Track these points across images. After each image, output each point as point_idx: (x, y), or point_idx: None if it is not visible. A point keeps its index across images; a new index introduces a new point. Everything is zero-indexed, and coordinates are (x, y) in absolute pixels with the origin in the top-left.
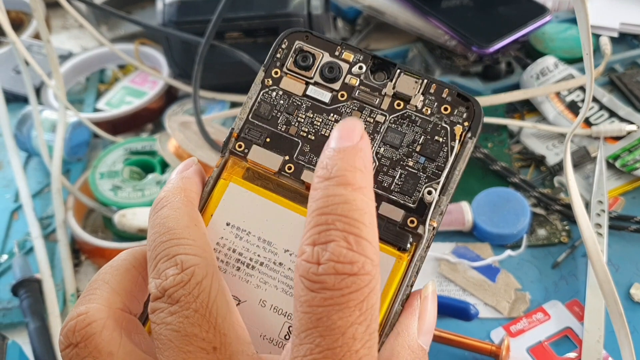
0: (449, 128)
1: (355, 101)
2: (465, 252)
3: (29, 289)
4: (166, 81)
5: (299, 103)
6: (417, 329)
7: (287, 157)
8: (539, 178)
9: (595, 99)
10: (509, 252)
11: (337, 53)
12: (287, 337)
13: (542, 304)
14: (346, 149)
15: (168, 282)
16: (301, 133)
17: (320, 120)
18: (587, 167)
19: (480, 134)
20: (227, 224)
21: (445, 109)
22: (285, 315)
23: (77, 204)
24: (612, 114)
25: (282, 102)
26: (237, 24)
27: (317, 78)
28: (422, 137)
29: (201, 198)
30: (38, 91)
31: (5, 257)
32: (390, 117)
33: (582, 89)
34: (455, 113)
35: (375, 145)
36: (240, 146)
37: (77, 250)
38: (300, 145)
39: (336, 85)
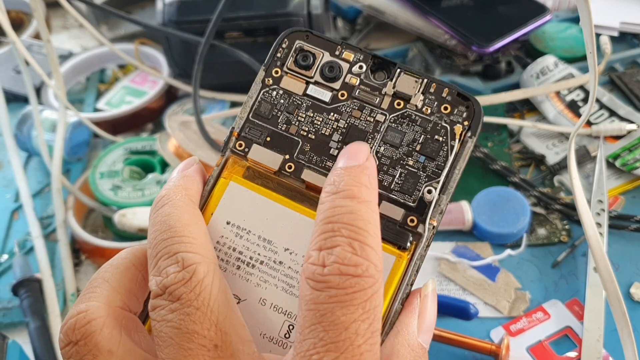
0: (449, 127)
1: (355, 100)
2: (465, 252)
3: (29, 288)
4: (166, 81)
5: (299, 102)
6: (417, 328)
7: (287, 156)
8: (539, 177)
9: (595, 99)
10: (508, 251)
11: (337, 52)
12: (287, 335)
13: (542, 303)
14: (353, 167)
15: (169, 279)
16: (301, 132)
17: (321, 119)
18: (587, 167)
19: (480, 133)
20: (228, 223)
21: (445, 108)
22: (285, 314)
23: (77, 204)
24: (612, 113)
25: (282, 101)
26: (237, 24)
27: (318, 77)
28: (422, 136)
29: (202, 197)
30: (38, 91)
31: (5, 256)
32: (391, 116)
33: (582, 88)
34: (455, 112)
35: (375, 144)
36: (240, 145)
37: (77, 249)
38: (300, 145)
39: (336, 85)
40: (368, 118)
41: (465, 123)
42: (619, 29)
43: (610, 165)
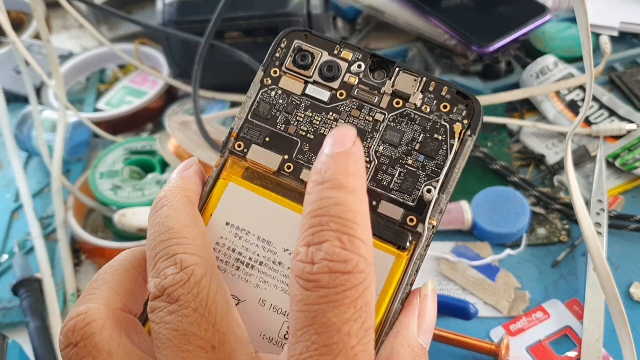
0: (448, 126)
1: (354, 100)
2: (465, 251)
3: (29, 288)
4: (166, 81)
5: (298, 102)
6: (416, 328)
7: (286, 156)
8: (538, 177)
9: (595, 98)
10: (508, 251)
11: (335, 52)
12: (286, 336)
13: (541, 302)
14: (339, 154)
15: (167, 281)
16: (300, 132)
17: (319, 119)
18: (587, 166)
19: (480, 131)
20: (227, 224)
21: (445, 107)
22: (284, 315)
23: (77, 204)
24: (612, 112)
25: (281, 101)
26: (236, 24)
27: (316, 77)
28: (422, 135)
29: (201, 198)
30: (38, 91)
31: (5, 256)
32: (390, 115)
33: (581, 87)
34: (454, 111)
35: (374, 143)
36: (239, 146)
37: (77, 249)
38: (299, 144)
39: (335, 84)
40: (367, 117)
41: (465, 121)
42: (619, 28)
43: (610, 164)
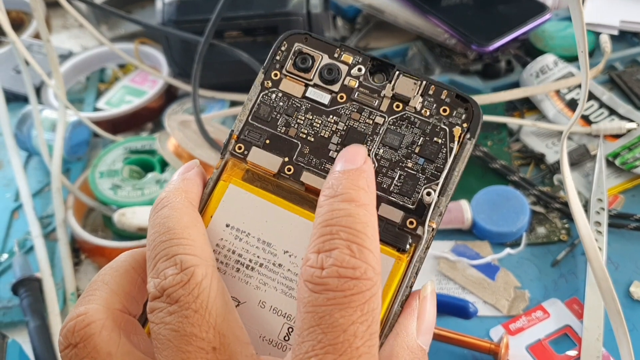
0: (447, 129)
1: (354, 103)
2: (465, 250)
3: (29, 287)
4: (166, 80)
5: (299, 105)
6: (416, 329)
7: (286, 159)
8: (538, 176)
9: (595, 97)
10: (508, 250)
11: (336, 55)
12: (286, 338)
13: (541, 302)
14: (351, 170)
15: (167, 281)
16: (300, 135)
17: (320, 122)
18: (587, 165)
19: (480, 134)
20: (227, 225)
21: (444, 110)
22: (284, 317)
23: (77, 203)
24: (612, 111)
25: (281, 104)
26: (236, 23)
27: (317, 80)
28: (421, 138)
29: (201, 199)
30: (38, 90)
31: (5, 256)
32: (389, 118)
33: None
34: (454, 114)
35: (374, 146)
36: (240, 148)
37: (77, 249)
38: (299, 147)
39: (335, 87)
40: (367, 120)
41: (464, 125)
42: (619, 27)
43: (610, 164)
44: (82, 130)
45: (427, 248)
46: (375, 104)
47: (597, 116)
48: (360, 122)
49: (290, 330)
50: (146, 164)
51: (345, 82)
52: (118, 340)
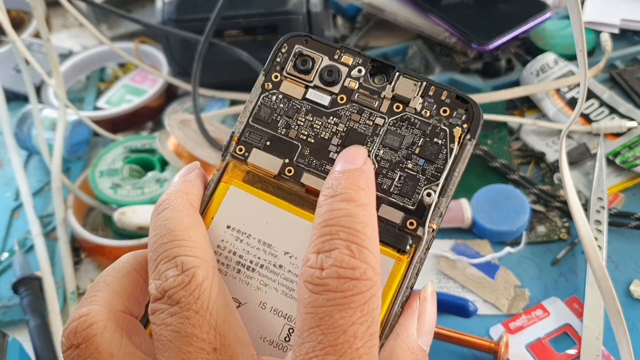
0: (447, 130)
1: (354, 104)
2: (465, 249)
3: (29, 286)
4: (166, 79)
5: (299, 106)
6: (416, 330)
7: (287, 160)
8: (538, 175)
9: (595, 96)
10: (508, 249)
11: (336, 56)
12: (287, 339)
13: (541, 300)
14: (350, 171)
15: (168, 283)
16: (301, 136)
17: (320, 123)
18: (587, 164)
19: (480, 135)
20: (228, 227)
21: (444, 111)
22: (285, 318)
23: (77, 202)
24: (613, 110)
25: (282, 105)
26: (236, 22)
27: (317, 81)
28: (421, 139)
29: (202, 201)
30: (38, 90)
31: (5, 255)
32: (390, 119)
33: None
34: (454, 115)
35: (374, 147)
36: (240, 149)
37: (77, 248)
38: (300, 149)
39: (335, 89)
40: (367, 121)
41: (465, 126)
42: (620, 26)
43: (610, 162)
44: (82, 129)
45: (428, 249)
46: (376, 105)
47: (597, 115)
48: (360, 124)
49: (290, 331)
50: (146, 163)
51: (346, 84)
52: (120, 341)
